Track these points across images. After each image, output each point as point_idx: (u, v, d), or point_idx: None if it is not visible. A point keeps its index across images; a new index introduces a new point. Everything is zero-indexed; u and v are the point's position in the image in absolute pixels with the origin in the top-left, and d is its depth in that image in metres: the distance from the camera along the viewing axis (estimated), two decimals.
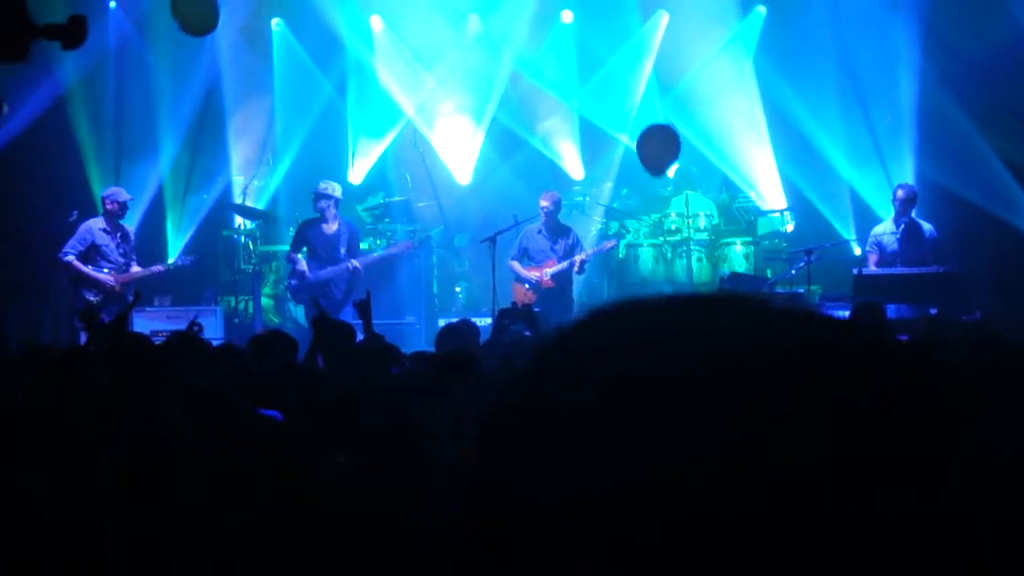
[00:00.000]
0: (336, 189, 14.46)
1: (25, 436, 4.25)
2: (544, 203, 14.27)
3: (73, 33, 3.42)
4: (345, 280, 14.09)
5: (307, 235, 14.28)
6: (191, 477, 3.89)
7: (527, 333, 10.15)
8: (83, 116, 16.48)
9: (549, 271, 14.12)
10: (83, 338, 12.59)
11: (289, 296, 14.83)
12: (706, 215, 16.15)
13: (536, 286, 14.16)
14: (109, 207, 13.65)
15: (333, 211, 14.25)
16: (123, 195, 13.88)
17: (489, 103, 17.67)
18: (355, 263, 14.05)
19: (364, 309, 9.05)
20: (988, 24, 15.53)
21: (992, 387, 0.95)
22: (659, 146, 13.87)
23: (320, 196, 14.23)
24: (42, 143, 15.82)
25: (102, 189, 14.69)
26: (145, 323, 13.42)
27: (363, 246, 15.09)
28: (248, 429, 4.49)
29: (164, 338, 10.28)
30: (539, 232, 14.38)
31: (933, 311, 12.25)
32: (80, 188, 15.83)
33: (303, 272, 14.05)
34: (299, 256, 14.21)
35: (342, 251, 14.12)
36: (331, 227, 14.22)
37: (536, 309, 13.80)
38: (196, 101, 17.12)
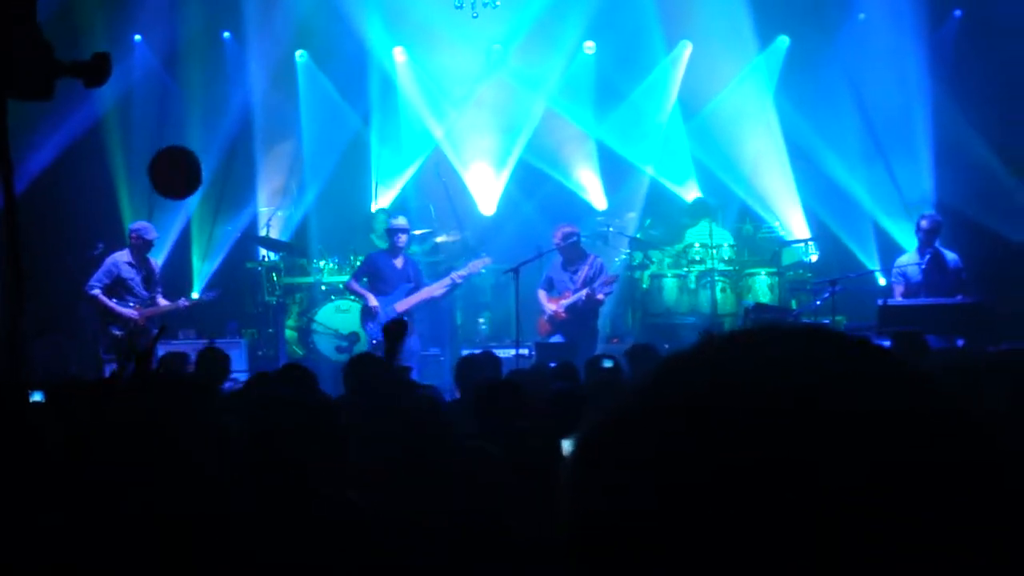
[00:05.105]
0: (406, 222, 14.74)
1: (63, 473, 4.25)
2: (555, 239, 14.24)
3: (97, 71, 3.43)
4: (420, 309, 14.56)
5: (379, 266, 14.39)
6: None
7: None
8: (117, 147, 16.59)
9: (564, 302, 14.07)
10: (108, 371, 12.65)
11: (367, 330, 14.58)
12: (729, 246, 16.08)
13: (552, 317, 14.14)
14: (135, 241, 13.48)
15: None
16: (150, 233, 13.59)
17: (519, 138, 17.75)
18: (445, 283, 14.48)
19: (393, 334, 8.83)
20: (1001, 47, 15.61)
21: None
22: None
23: (398, 230, 14.38)
24: (75, 173, 15.91)
25: (132, 221, 14.46)
26: None
27: None
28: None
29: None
30: (560, 263, 14.36)
31: (960, 342, 12.18)
32: (110, 220, 15.83)
33: (372, 304, 14.23)
34: (360, 285, 14.43)
35: (411, 283, 14.31)
36: (400, 260, 14.44)
37: (559, 339, 13.83)
38: (225, 134, 17.21)
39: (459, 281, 14.54)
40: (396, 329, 8.73)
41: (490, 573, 4.04)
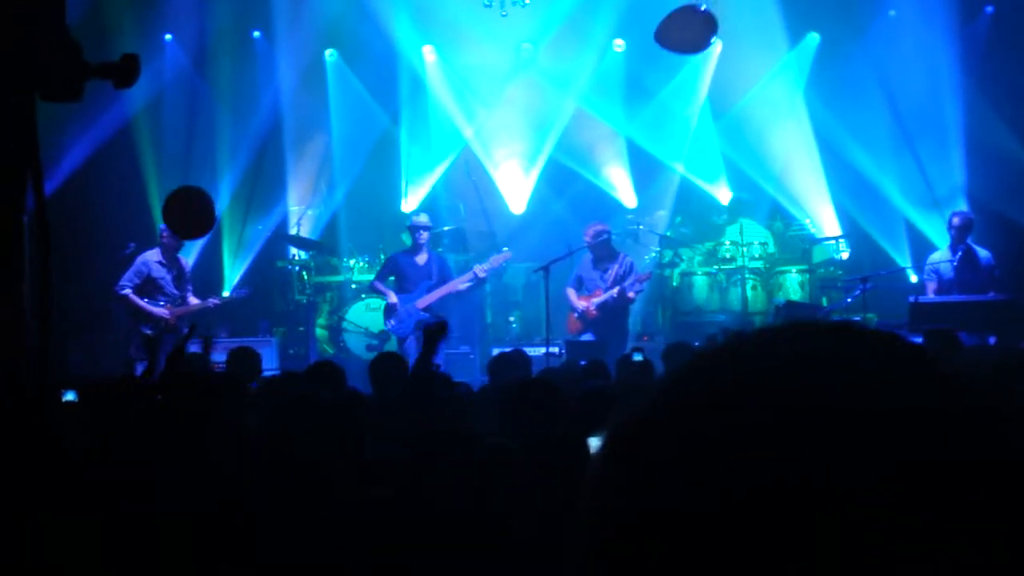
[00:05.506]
0: (428, 219, 14.70)
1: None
2: (586, 237, 14.22)
3: (126, 72, 3.44)
4: (449, 306, 14.57)
5: (400, 264, 14.42)
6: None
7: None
8: (147, 147, 16.65)
9: (596, 301, 14.05)
10: (139, 369, 12.70)
11: (389, 327, 14.65)
12: (760, 243, 16.02)
13: (583, 315, 14.12)
14: (165, 240, 13.53)
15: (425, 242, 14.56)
16: None
17: (548, 137, 17.75)
18: (467, 277, 14.42)
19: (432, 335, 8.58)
20: None
21: None
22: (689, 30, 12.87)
23: (419, 227, 14.41)
24: (105, 173, 15.97)
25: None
26: None
27: None
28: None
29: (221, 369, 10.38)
30: (590, 261, 14.35)
31: (992, 339, 12.11)
32: (141, 219, 15.88)
33: (391, 301, 14.27)
34: (385, 285, 14.46)
35: (433, 280, 14.30)
36: (423, 257, 14.40)
37: (590, 337, 13.81)
38: (255, 133, 17.27)
39: (482, 275, 14.48)
40: (436, 331, 8.47)
41: (501, 572, 4.04)
